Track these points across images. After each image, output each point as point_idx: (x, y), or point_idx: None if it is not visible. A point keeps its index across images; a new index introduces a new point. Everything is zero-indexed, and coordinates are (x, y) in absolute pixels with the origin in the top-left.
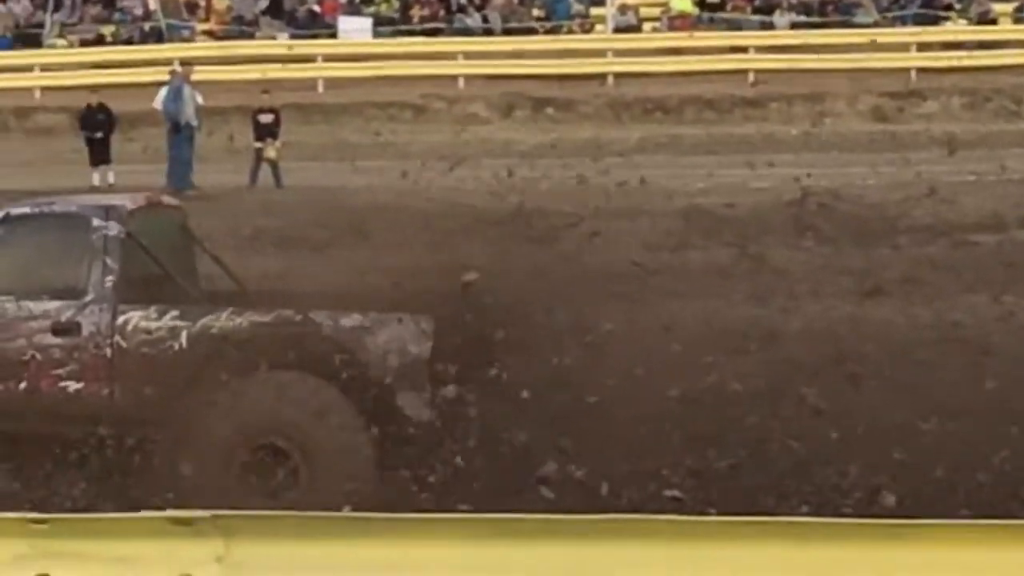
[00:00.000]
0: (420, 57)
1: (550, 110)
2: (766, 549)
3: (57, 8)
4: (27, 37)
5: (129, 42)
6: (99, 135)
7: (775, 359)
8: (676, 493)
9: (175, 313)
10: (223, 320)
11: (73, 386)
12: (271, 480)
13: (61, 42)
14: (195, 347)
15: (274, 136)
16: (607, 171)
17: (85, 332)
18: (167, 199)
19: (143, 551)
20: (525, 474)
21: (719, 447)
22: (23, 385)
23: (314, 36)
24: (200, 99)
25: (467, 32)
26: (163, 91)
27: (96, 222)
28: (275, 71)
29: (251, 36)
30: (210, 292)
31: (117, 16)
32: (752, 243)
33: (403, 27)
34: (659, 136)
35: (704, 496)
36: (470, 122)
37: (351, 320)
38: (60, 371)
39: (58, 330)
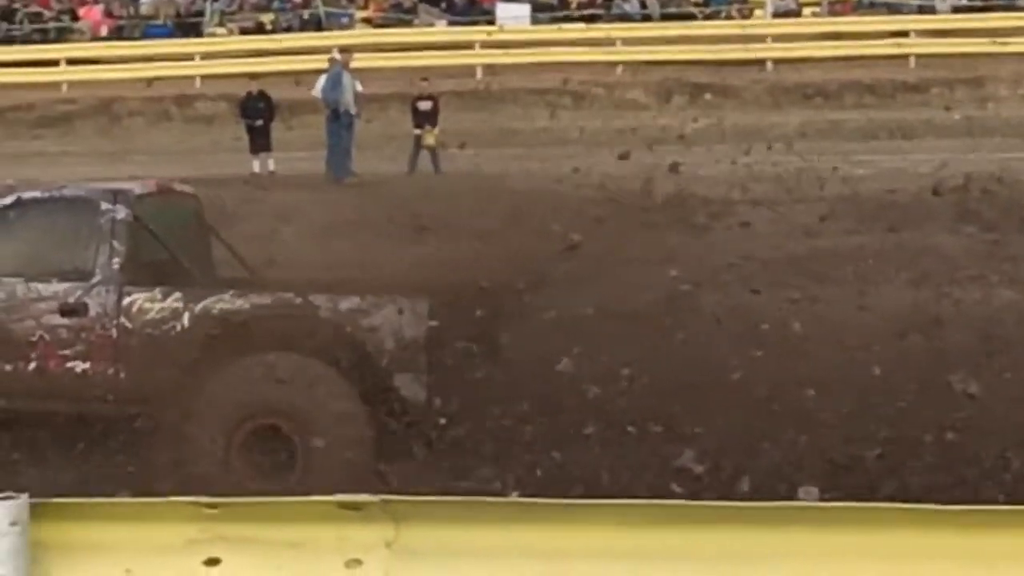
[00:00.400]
0: (578, 44)
1: (708, 96)
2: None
3: None
4: (187, 26)
5: (288, 30)
6: (259, 123)
7: (934, 346)
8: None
9: (178, 295)
10: (225, 302)
11: (80, 366)
12: (269, 458)
13: (221, 30)
14: (197, 328)
15: (433, 123)
16: (766, 157)
17: (92, 313)
18: (180, 187)
19: (312, 536)
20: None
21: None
22: (32, 365)
23: (472, 23)
24: (359, 86)
25: (626, 18)
26: (322, 79)
27: (104, 206)
28: (433, 58)
29: (409, 23)
30: (232, 279)
31: (276, 4)
32: (913, 229)
33: (561, 13)
34: (819, 122)
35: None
36: (628, 108)
37: (349, 303)
38: (67, 351)
39: (65, 311)
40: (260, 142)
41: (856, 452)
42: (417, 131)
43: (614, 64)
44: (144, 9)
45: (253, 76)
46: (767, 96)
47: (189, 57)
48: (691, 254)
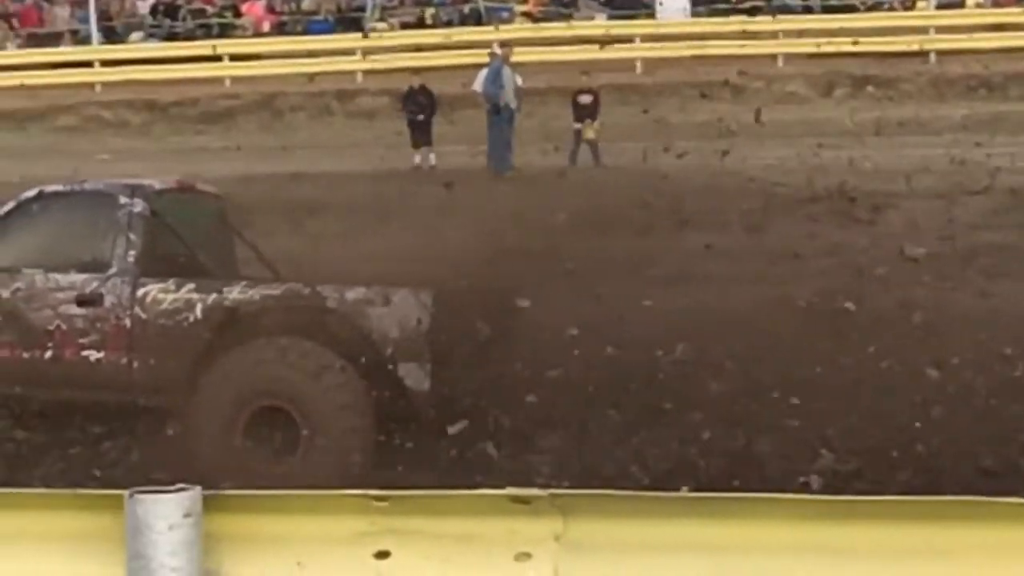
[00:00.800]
0: (738, 36)
1: (871, 88)
2: None
3: None
4: (349, 21)
5: (449, 24)
6: (421, 117)
7: None
8: None
9: (191, 286)
10: (236, 293)
11: (95, 355)
12: (274, 442)
13: (382, 25)
14: (208, 318)
15: (593, 117)
16: (929, 150)
17: (107, 303)
18: (203, 186)
19: (482, 529)
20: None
21: None
22: (48, 354)
23: (632, 17)
24: (519, 81)
25: (786, 10)
26: (483, 73)
27: (122, 199)
28: (593, 52)
29: (569, 17)
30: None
31: None
32: None
33: (721, 6)
34: (983, 114)
35: None
36: (789, 101)
37: (355, 293)
38: (83, 340)
39: (82, 301)
40: (421, 137)
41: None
42: (577, 125)
43: (775, 57)
44: (306, 5)
45: (414, 71)
46: (930, 88)
47: (350, 52)
48: (854, 247)
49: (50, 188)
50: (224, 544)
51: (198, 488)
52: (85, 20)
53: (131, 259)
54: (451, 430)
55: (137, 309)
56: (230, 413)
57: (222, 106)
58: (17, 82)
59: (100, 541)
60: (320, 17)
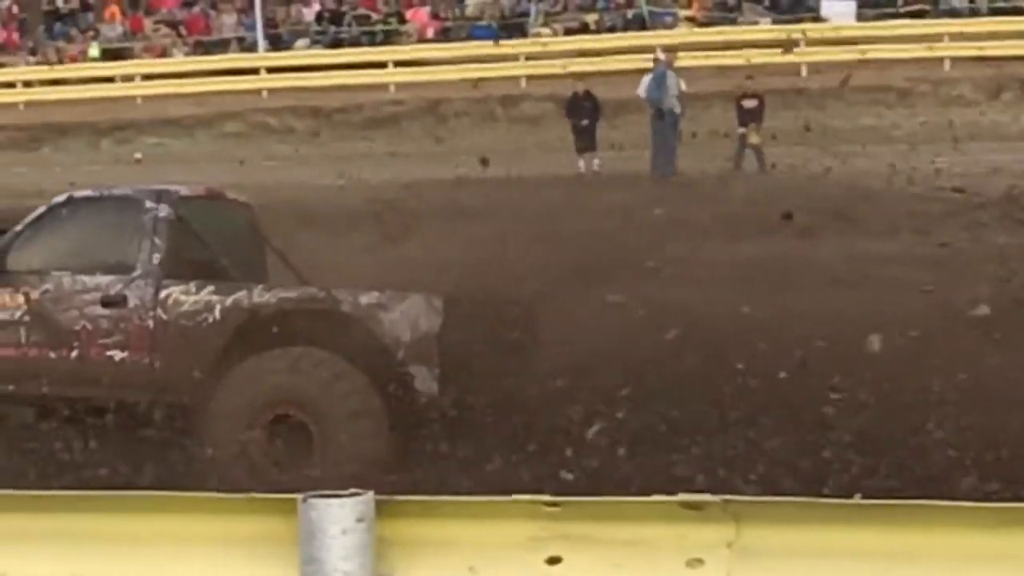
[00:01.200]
0: (905, 40)
1: None
2: None
3: None
4: (512, 26)
5: (612, 30)
6: (585, 123)
7: None
8: None
9: (211, 288)
10: (254, 296)
11: (118, 355)
12: (289, 445)
13: (545, 31)
14: (227, 320)
15: (758, 121)
16: None
17: (131, 304)
18: (232, 195)
19: (653, 535)
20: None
21: None
22: (75, 353)
23: (797, 20)
24: (683, 85)
25: (953, 13)
26: (647, 78)
27: (148, 204)
28: (757, 56)
29: (733, 22)
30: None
31: (600, 4)
32: None
33: (888, 9)
34: None
35: None
36: (956, 104)
37: (369, 297)
38: (107, 340)
39: (107, 302)
40: (586, 142)
41: None
42: (742, 129)
43: (941, 60)
44: (469, 10)
45: (578, 76)
46: None
47: (514, 58)
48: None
49: (80, 193)
50: (396, 549)
51: (371, 493)
52: (251, 27)
53: (155, 262)
54: (589, 433)
55: (159, 310)
56: (246, 418)
57: (386, 112)
58: (186, 89)
59: (274, 545)
60: (484, 23)
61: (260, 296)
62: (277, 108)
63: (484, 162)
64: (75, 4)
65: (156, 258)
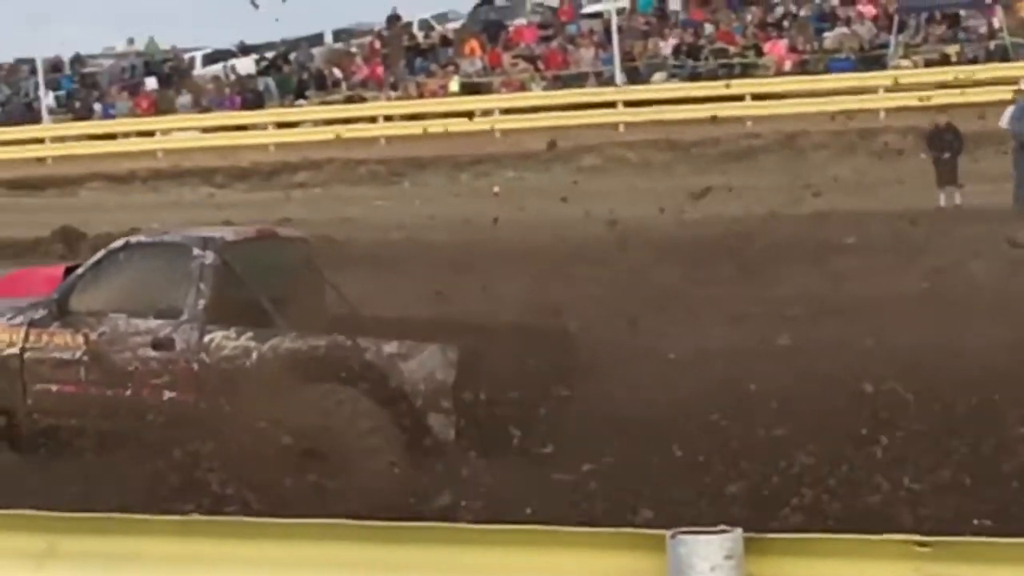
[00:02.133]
0: None
1: None
2: None
3: (901, 29)
4: (871, 59)
5: (973, 61)
6: (946, 156)
7: None
8: None
9: (250, 334)
10: (287, 342)
11: (168, 394)
12: (313, 476)
13: (905, 63)
14: (263, 364)
15: None
16: None
17: (178, 347)
18: (285, 232)
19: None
20: None
21: None
22: (128, 392)
23: None
24: None
25: None
26: (1009, 110)
27: (195, 251)
28: None
29: None
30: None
31: (961, 35)
32: None
33: None
34: None
35: None
36: None
37: (390, 347)
38: (157, 381)
39: (156, 345)
40: (947, 175)
41: None
42: None
43: None
44: (828, 43)
45: (940, 108)
46: None
47: (873, 90)
48: None
49: (135, 239)
50: None
51: (738, 530)
52: (608, 62)
53: (200, 307)
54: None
55: (203, 354)
56: (277, 451)
57: (743, 145)
58: (541, 124)
59: None
60: (842, 55)
61: (292, 343)
62: (634, 142)
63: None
64: (435, 39)
65: (201, 304)
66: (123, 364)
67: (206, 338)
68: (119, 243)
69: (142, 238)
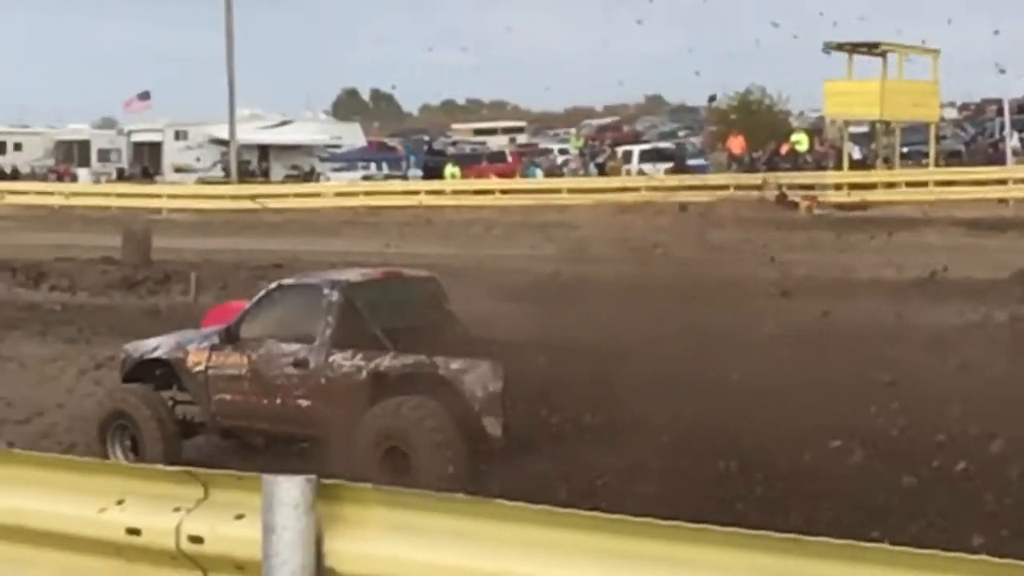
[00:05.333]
0: None
1: None
2: None
3: None
4: None
5: None
6: None
7: None
8: None
9: (361, 355)
10: (386, 361)
11: (304, 403)
12: (396, 467)
13: None
14: (369, 378)
15: None
16: None
17: (311, 366)
18: (413, 272)
19: None
20: None
21: None
22: (278, 400)
23: None
24: None
25: None
26: None
27: (325, 291)
28: None
29: None
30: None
31: None
32: None
33: None
34: None
35: None
36: None
37: (456, 364)
38: (296, 392)
39: (296, 364)
40: None
41: None
42: None
43: None
44: None
45: None
46: None
47: None
48: None
49: (286, 282)
50: None
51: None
52: None
53: (327, 335)
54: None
55: (329, 371)
56: (371, 448)
57: None
58: None
59: None
60: None
61: (389, 362)
62: None
63: None
64: None
65: (328, 332)
66: (274, 379)
67: (330, 359)
68: (274, 285)
69: (290, 280)
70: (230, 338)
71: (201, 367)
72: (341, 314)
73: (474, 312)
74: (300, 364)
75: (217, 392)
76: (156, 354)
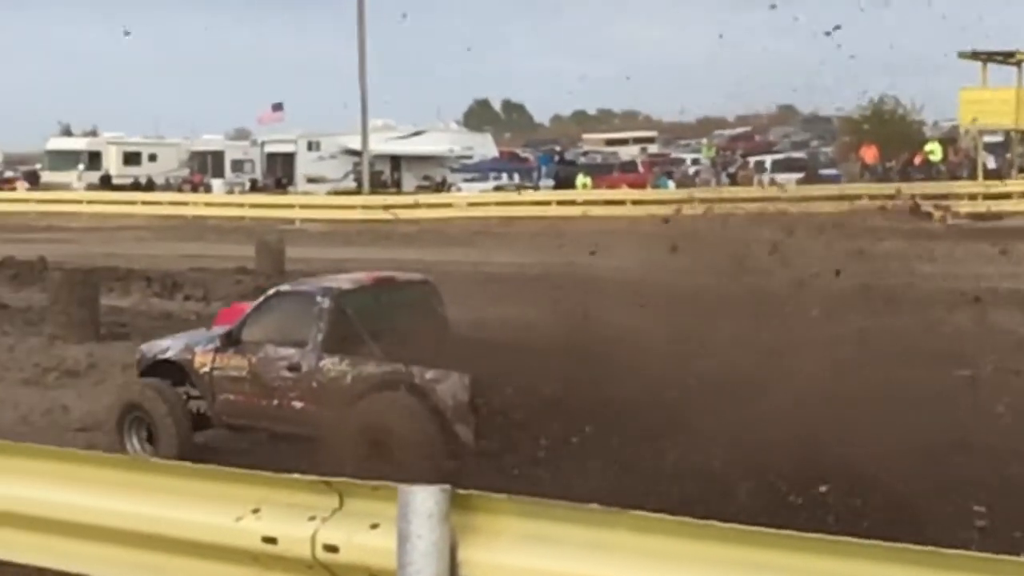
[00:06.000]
0: None
1: None
2: None
3: None
4: None
5: None
6: None
7: None
8: None
9: (348, 360)
10: (369, 367)
11: (298, 404)
12: (380, 457)
13: None
14: (354, 382)
15: None
16: None
17: (304, 370)
18: (406, 276)
19: None
20: None
21: None
22: (275, 402)
23: None
24: None
25: None
26: None
27: (317, 298)
28: None
29: None
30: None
31: None
32: None
33: None
34: None
35: None
36: None
37: (430, 374)
38: (291, 394)
39: (291, 367)
40: None
41: None
42: None
43: None
44: None
45: None
46: None
47: None
48: None
49: (283, 288)
50: None
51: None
52: None
53: (319, 340)
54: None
55: (319, 375)
56: (359, 439)
57: None
58: None
59: None
60: None
61: (371, 368)
62: None
63: None
64: None
65: (319, 337)
66: (271, 381)
67: (321, 363)
68: (272, 291)
69: (287, 287)
70: (232, 341)
71: (207, 368)
72: (332, 320)
73: (612, 322)
74: (294, 368)
75: (221, 392)
76: (167, 355)
